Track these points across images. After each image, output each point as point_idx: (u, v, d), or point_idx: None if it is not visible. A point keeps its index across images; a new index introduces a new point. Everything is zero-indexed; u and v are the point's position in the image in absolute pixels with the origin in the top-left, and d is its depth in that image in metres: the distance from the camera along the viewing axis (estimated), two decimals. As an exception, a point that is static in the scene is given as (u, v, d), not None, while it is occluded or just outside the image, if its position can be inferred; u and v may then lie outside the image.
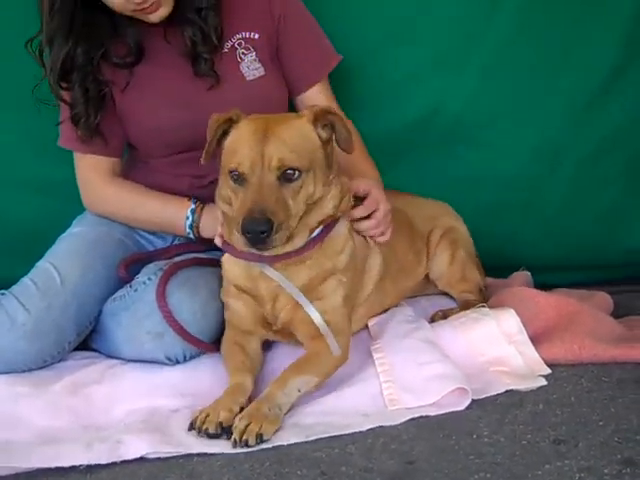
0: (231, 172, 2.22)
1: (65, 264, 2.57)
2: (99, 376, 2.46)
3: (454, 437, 2.07)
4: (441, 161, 3.08)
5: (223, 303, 2.50)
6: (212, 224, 2.52)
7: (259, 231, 2.12)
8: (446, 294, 2.92)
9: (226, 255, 2.46)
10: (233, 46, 2.63)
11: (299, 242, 2.30)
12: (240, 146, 2.22)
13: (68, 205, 2.86)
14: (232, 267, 2.45)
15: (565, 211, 3.11)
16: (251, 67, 2.63)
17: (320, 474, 1.95)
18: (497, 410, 2.20)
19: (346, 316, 2.42)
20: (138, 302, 2.49)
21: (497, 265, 3.14)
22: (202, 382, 2.41)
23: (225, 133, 2.29)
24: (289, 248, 2.30)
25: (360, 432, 2.13)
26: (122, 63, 2.60)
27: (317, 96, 2.70)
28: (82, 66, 2.52)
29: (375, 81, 2.99)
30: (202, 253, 2.70)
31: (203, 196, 2.63)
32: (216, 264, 2.54)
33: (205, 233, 2.59)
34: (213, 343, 2.50)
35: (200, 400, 2.30)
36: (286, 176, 2.18)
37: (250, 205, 2.14)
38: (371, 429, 2.14)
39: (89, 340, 2.66)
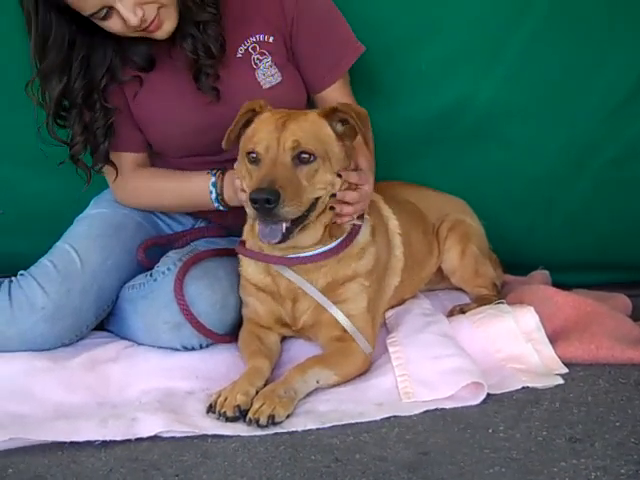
0: (248, 154, 2.27)
1: (85, 248, 2.56)
2: (115, 354, 2.48)
3: (469, 430, 2.07)
4: (465, 156, 3.04)
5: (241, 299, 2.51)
6: (235, 192, 2.46)
7: (264, 199, 2.13)
8: (462, 289, 2.91)
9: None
10: (247, 51, 2.55)
11: (315, 235, 2.33)
12: (259, 131, 2.28)
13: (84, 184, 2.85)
14: (250, 265, 2.46)
15: (588, 211, 3.07)
16: (267, 74, 2.55)
17: (334, 460, 1.95)
18: (513, 406, 2.19)
19: (370, 322, 2.42)
20: (157, 291, 2.48)
21: (516, 263, 3.12)
22: (218, 366, 2.42)
23: (249, 122, 2.34)
24: (308, 241, 2.32)
25: (375, 421, 2.13)
26: (130, 79, 2.55)
27: (333, 94, 2.62)
28: (82, 101, 2.46)
29: (401, 73, 2.94)
30: (223, 239, 2.70)
31: None
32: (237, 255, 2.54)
33: (233, 203, 2.54)
34: (230, 334, 2.50)
35: (216, 383, 2.32)
36: (301, 159, 2.23)
37: (261, 178, 2.19)
38: (386, 419, 2.14)
39: (105, 322, 2.66)
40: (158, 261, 2.61)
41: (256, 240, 2.37)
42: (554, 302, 2.63)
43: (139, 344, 2.53)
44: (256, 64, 2.56)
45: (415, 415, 2.15)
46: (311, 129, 2.28)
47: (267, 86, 2.56)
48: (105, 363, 2.42)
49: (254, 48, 2.56)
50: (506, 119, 2.99)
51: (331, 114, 2.31)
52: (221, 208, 2.58)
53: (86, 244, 2.57)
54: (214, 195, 2.55)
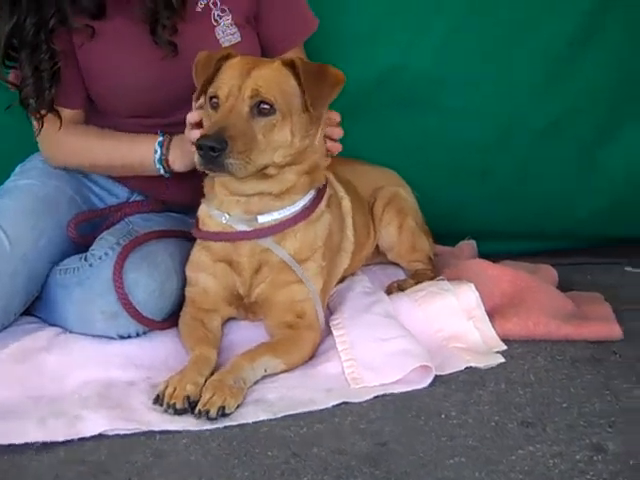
0: (211, 99, 2.20)
1: (14, 226, 2.38)
2: (47, 343, 2.34)
3: (422, 417, 2.06)
4: (396, 124, 3.01)
5: (185, 278, 2.41)
6: (183, 156, 2.40)
7: (209, 146, 2.06)
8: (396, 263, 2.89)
9: (207, 219, 2.36)
10: (207, 5, 2.46)
11: (278, 185, 2.26)
12: (224, 75, 2.21)
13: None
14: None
15: (516, 181, 3.10)
16: (227, 32, 2.47)
17: (292, 455, 1.91)
18: (460, 388, 2.19)
19: (318, 311, 2.36)
20: (93, 278, 2.34)
21: (444, 232, 3.13)
22: (157, 353, 2.33)
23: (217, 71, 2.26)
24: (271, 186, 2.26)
25: (326, 410, 2.10)
26: (82, 27, 2.41)
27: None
28: (32, 40, 2.33)
29: (332, 36, 2.84)
30: (159, 215, 2.60)
31: None
32: (180, 235, 2.46)
33: (176, 166, 2.44)
34: (167, 319, 2.41)
35: (157, 372, 2.24)
36: (260, 110, 2.16)
37: (212, 124, 2.13)
38: (337, 407, 2.10)
39: (31, 307, 2.49)
40: (90, 237, 2.49)
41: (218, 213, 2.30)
42: (490, 277, 2.64)
43: (70, 331, 2.40)
44: (216, 20, 2.47)
45: (366, 402, 2.13)
46: (275, 79, 2.19)
47: (226, 44, 2.47)
48: (37, 353, 2.29)
49: (215, 3, 2.47)
50: (439, 87, 2.98)
51: (291, 65, 2.23)
52: (162, 172, 2.46)
53: (15, 222, 2.39)
54: (158, 155, 2.43)
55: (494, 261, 2.80)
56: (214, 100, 2.19)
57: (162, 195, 2.63)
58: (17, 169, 2.63)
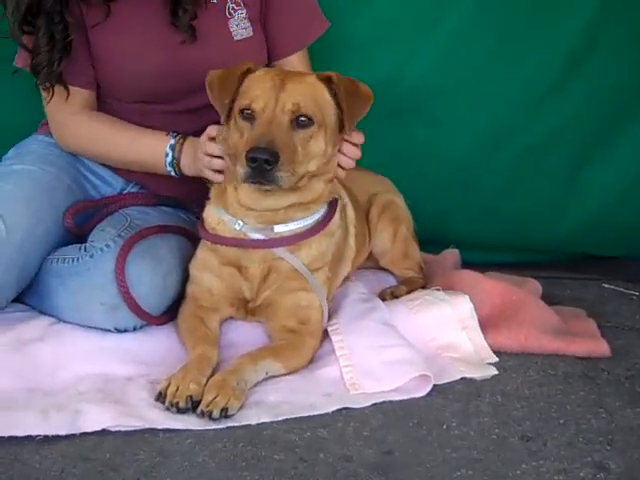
0: (243, 111, 2.17)
1: (12, 212, 2.30)
2: (41, 333, 2.30)
3: (424, 427, 2.07)
4: (388, 133, 3.02)
5: (187, 275, 2.39)
6: (194, 163, 2.37)
7: (264, 159, 2.05)
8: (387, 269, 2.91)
9: (218, 224, 2.33)
10: None
11: (309, 194, 2.27)
12: (255, 88, 2.18)
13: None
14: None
15: (500, 195, 3.15)
16: (240, 26, 2.48)
17: (299, 460, 1.91)
18: (457, 399, 2.21)
19: (321, 321, 2.36)
20: (94, 270, 2.29)
21: (427, 240, 3.15)
22: (156, 349, 2.31)
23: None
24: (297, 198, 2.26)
25: (327, 415, 2.10)
26: (98, 4, 2.38)
27: (297, 63, 2.57)
28: (50, 8, 2.29)
29: (331, 44, 2.82)
30: (153, 208, 2.57)
31: None
32: (178, 231, 2.44)
33: (188, 171, 2.41)
34: (164, 314, 2.38)
35: (155, 369, 2.22)
36: (299, 122, 2.16)
37: (258, 137, 2.10)
38: (338, 413, 2.11)
39: (20, 294, 2.41)
40: (84, 228, 2.45)
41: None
42: (481, 289, 2.66)
43: (63, 321, 2.35)
44: (230, 13, 2.47)
45: (366, 408, 2.13)
46: (311, 92, 2.20)
47: (238, 38, 2.48)
48: (32, 343, 2.24)
49: None
50: (432, 98, 3.01)
51: (326, 82, 2.23)
52: (172, 174, 2.44)
53: (12, 207, 2.31)
54: (169, 158, 2.41)
55: (477, 271, 2.83)
56: (247, 112, 2.16)
57: (158, 189, 2.61)
58: (10, 152, 2.58)
